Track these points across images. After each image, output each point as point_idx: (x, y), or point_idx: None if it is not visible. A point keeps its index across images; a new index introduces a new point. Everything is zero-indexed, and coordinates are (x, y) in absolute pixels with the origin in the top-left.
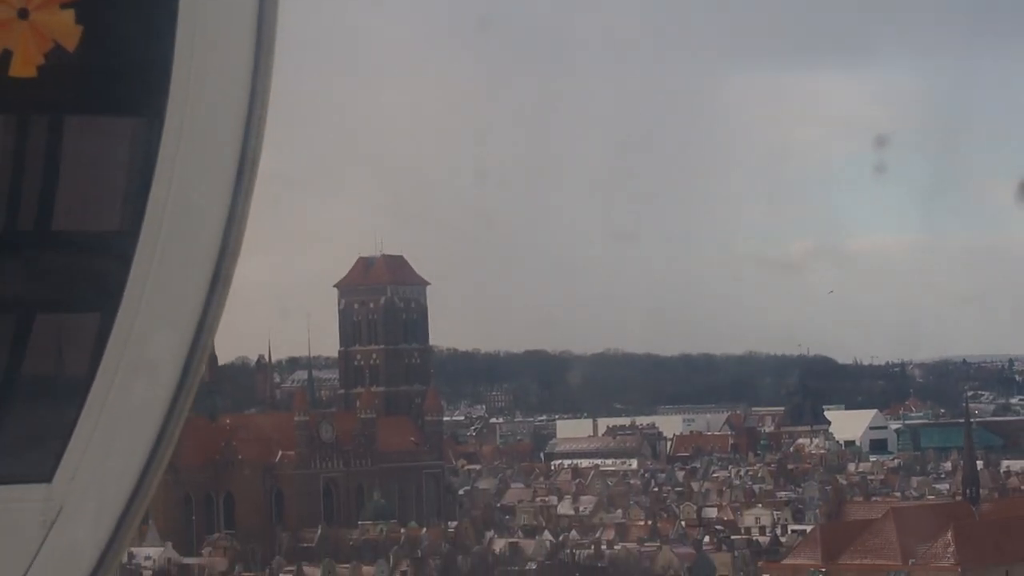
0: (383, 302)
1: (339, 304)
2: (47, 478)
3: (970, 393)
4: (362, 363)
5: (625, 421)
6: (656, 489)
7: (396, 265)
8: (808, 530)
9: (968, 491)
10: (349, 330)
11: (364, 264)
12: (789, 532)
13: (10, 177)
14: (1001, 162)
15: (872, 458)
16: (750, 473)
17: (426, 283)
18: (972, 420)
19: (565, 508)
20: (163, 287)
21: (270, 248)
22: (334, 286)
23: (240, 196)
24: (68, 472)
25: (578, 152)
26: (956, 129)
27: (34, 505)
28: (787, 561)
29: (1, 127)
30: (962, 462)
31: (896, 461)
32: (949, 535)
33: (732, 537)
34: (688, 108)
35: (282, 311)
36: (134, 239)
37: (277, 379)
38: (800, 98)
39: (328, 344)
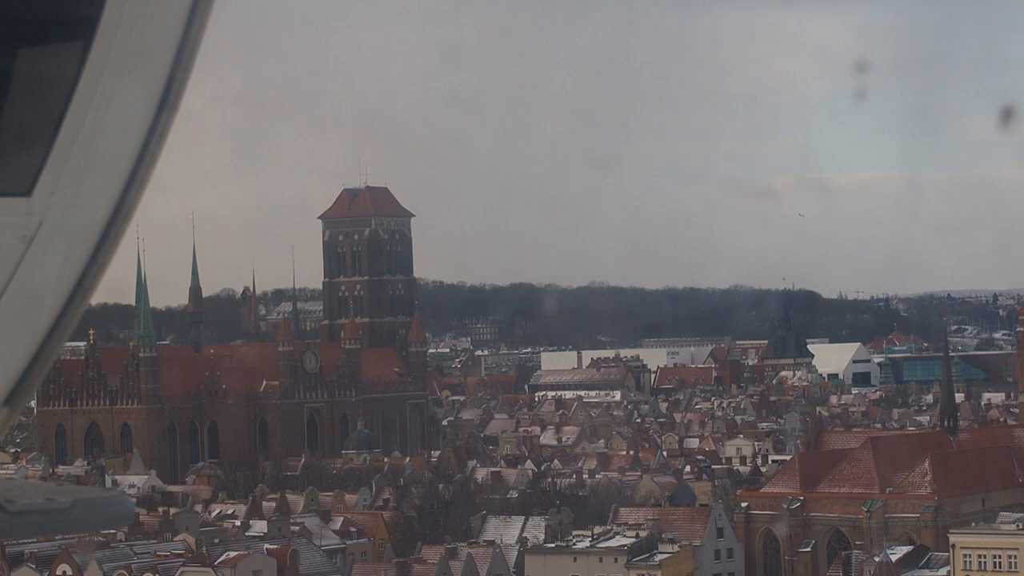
0: (367, 233)
1: (324, 235)
2: (26, 192)
3: (954, 328)
4: (346, 294)
5: (609, 354)
6: (639, 420)
7: (380, 196)
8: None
9: (946, 421)
10: (333, 261)
11: (348, 195)
12: (770, 462)
13: None
14: (981, 95)
15: (855, 391)
16: (732, 405)
17: (410, 215)
18: (955, 354)
19: (548, 438)
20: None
21: (251, 178)
22: (318, 217)
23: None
24: (48, 186)
25: (555, 81)
26: (935, 63)
27: (13, 220)
28: (765, 490)
29: None
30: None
31: (878, 393)
32: (926, 464)
33: (713, 467)
34: (667, 42)
35: (267, 242)
36: None
37: (263, 311)
38: (780, 33)
39: (313, 276)
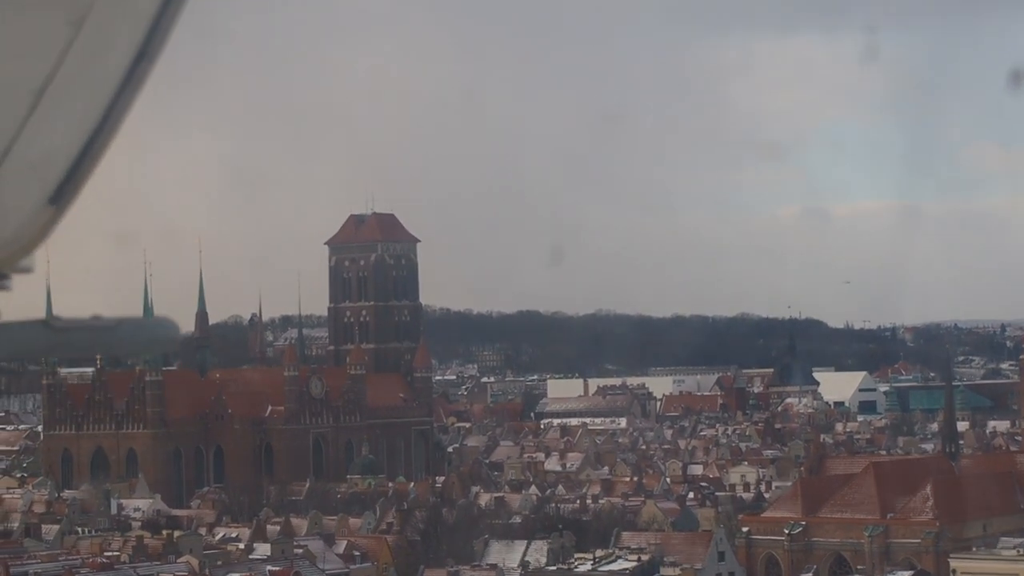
0: (373, 259)
1: (330, 261)
2: None
3: (961, 358)
4: (352, 320)
5: (616, 381)
6: (643, 447)
7: (387, 222)
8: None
9: (948, 447)
10: (339, 287)
11: (355, 221)
12: (773, 488)
13: None
14: (982, 125)
15: (860, 418)
16: (737, 432)
17: (416, 240)
18: (961, 383)
19: (552, 464)
20: None
21: (257, 204)
22: (324, 243)
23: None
24: None
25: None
26: (936, 92)
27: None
28: (767, 514)
29: None
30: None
31: (884, 421)
32: (928, 489)
33: (716, 493)
34: (666, 72)
35: (274, 268)
36: None
37: (270, 337)
38: (780, 62)
39: (320, 303)
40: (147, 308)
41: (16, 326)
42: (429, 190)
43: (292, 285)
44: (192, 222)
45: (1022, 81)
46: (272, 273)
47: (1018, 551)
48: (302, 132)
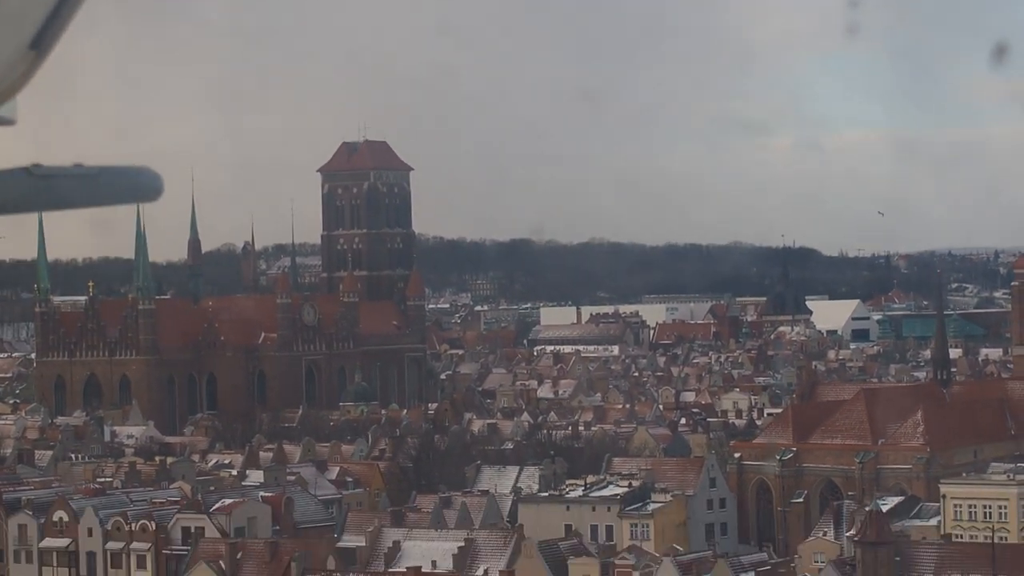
0: (366, 187)
1: (323, 189)
2: None
3: (954, 286)
4: (345, 248)
5: (609, 309)
6: (636, 374)
7: (379, 150)
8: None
9: (939, 374)
10: (332, 215)
11: (347, 149)
12: (765, 415)
13: None
14: (974, 51)
15: (852, 346)
16: (730, 359)
17: (409, 168)
18: (954, 312)
19: (545, 391)
20: None
21: (249, 133)
22: (317, 171)
23: None
24: None
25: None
26: (929, 20)
27: None
28: (759, 440)
29: None
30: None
31: (876, 349)
32: (919, 416)
33: (708, 420)
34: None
35: (268, 199)
36: None
37: (263, 266)
38: None
39: (313, 231)
40: (139, 235)
41: None
42: (421, 119)
43: (285, 213)
44: (184, 151)
45: (1005, 55)
46: (265, 202)
47: (1008, 476)
48: (293, 61)
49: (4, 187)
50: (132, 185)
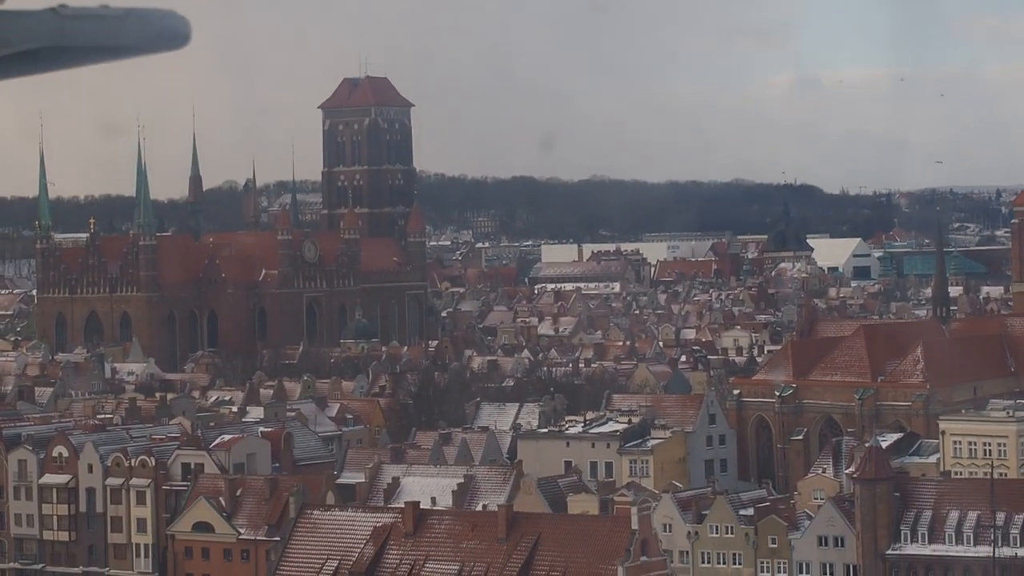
0: (367, 123)
1: (324, 125)
2: None
3: (956, 225)
4: (345, 184)
5: (610, 247)
6: (637, 311)
7: (380, 86)
8: None
9: (939, 311)
10: (333, 151)
11: (348, 85)
12: (766, 352)
13: None
14: None
15: (854, 283)
16: (731, 297)
17: (410, 104)
18: (956, 249)
19: (546, 329)
20: None
21: (249, 69)
22: (318, 107)
23: None
24: None
25: None
26: None
27: None
28: (758, 377)
29: None
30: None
31: (877, 287)
32: (918, 352)
33: (709, 357)
34: None
35: (269, 135)
36: None
37: (264, 203)
38: None
39: (314, 168)
40: (140, 171)
41: (25, 14)
42: (423, 56)
43: (286, 151)
44: (185, 89)
45: None
46: (266, 139)
47: (1007, 412)
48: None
49: (31, 26)
50: (159, 29)
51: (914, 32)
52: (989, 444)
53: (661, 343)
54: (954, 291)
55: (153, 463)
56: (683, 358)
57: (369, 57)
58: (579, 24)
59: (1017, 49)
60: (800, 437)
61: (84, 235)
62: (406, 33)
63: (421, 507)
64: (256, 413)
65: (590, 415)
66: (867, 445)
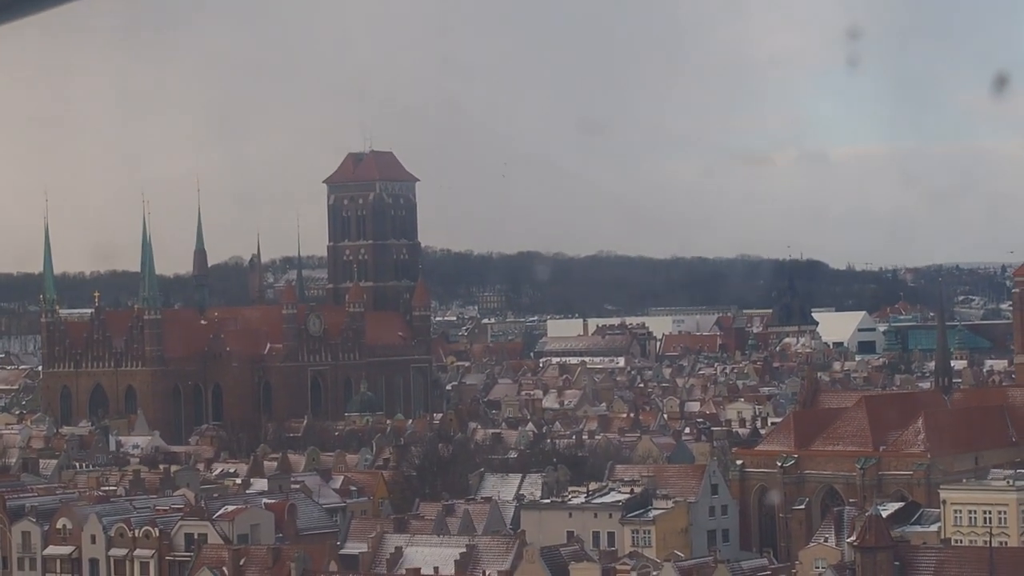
0: (372, 198)
1: (329, 200)
2: None
3: (961, 298)
4: (351, 258)
5: (615, 321)
6: (641, 385)
7: (385, 161)
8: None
9: (940, 381)
10: (338, 226)
11: (353, 160)
12: (769, 424)
13: None
14: (974, 66)
15: (858, 358)
16: (735, 370)
17: (415, 179)
18: (960, 323)
19: (550, 402)
20: None
21: (254, 144)
22: (323, 182)
23: None
24: None
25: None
26: (929, 33)
27: None
28: (760, 447)
29: None
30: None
31: (882, 360)
32: (919, 423)
33: (712, 429)
34: (658, 17)
35: (274, 211)
36: None
37: (270, 278)
38: (771, 6)
39: (320, 243)
40: (145, 244)
41: None
42: (428, 130)
43: (292, 226)
44: (188, 163)
45: (1006, 85)
46: (271, 215)
47: (1008, 482)
48: (297, 71)
49: None
50: None
51: (918, 108)
52: (989, 512)
53: (665, 415)
54: (958, 364)
55: (157, 534)
56: (687, 430)
57: (374, 131)
58: (580, 95)
59: (1008, 124)
60: (802, 507)
61: (89, 310)
62: (411, 108)
63: (422, 574)
64: (260, 485)
65: (593, 485)
66: (867, 514)
